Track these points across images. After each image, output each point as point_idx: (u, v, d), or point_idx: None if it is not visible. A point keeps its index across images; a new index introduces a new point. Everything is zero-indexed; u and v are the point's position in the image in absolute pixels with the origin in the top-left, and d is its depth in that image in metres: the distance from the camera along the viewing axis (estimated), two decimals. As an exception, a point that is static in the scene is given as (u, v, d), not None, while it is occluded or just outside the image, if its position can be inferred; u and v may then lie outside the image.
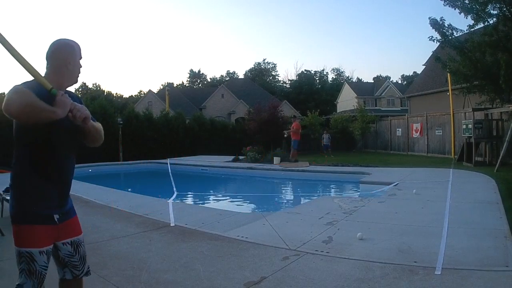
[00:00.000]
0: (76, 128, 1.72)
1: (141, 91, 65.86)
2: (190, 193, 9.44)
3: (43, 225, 1.66)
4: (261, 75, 65.70)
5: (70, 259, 1.82)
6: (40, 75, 1.62)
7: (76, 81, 1.84)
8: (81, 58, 1.85)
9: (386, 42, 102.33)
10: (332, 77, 69.16)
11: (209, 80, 70.61)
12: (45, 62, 1.79)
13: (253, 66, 69.59)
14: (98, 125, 1.87)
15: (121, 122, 15.52)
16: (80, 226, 1.91)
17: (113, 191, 7.89)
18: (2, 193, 5.23)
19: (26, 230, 1.64)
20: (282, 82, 68.66)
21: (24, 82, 1.63)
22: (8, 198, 4.85)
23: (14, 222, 1.66)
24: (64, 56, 1.76)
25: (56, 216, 1.73)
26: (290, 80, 66.15)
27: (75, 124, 1.67)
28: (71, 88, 1.93)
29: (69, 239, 1.81)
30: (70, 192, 1.87)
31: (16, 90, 1.50)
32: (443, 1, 11.24)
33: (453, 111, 15.06)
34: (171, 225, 4.66)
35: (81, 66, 1.85)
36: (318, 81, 64.17)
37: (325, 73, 67.36)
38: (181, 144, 18.63)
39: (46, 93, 1.57)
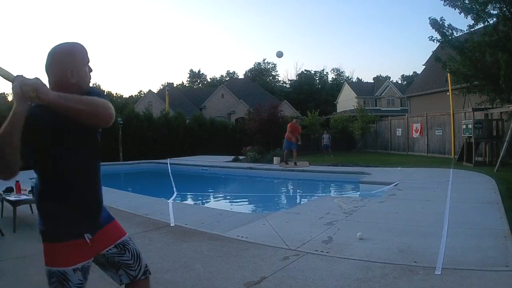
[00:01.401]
0: (62, 118, 1.35)
1: (141, 91, 65.90)
2: (190, 193, 9.44)
3: (75, 240, 1.50)
4: (261, 75, 65.66)
5: (120, 258, 1.65)
6: (2, 69, 1.36)
7: (87, 89, 1.53)
8: (88, 61, 1.56)
9: (386, 42, 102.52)
10: (332, 77, 69.29)
11: (209, 80, 70.62)
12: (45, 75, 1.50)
13: (253, 66, 69.68)
14: (86, 97, 1.41)
15: (121, 122, 15.52)
16: (121, 228, 1.73)
17: (113, 191, 7.87)
18: (2, 193, 5.23)
19: (58, 248, 1.48)
20: (282, 82, 68.74)
21: None
22: (8, 198, 4.86)
23: (43, 241, 1.51)
24: (64, 66, 1.47)
25: (87, 236, 1.54)
26: (290, 80, 66.23)
27: (55, 111, 1.32)
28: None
29: (111, 245, 1.64)
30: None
31: None
32: (443, 1, 11.25)
33: (453, 111, 15.04)
34: (171, 225, 4.66)
35: (91, 70, 1.58)
36: (318, 81, 64.16)
37: (325, 73, 67.45)
38: (181, 144, 18.63)
39: None
